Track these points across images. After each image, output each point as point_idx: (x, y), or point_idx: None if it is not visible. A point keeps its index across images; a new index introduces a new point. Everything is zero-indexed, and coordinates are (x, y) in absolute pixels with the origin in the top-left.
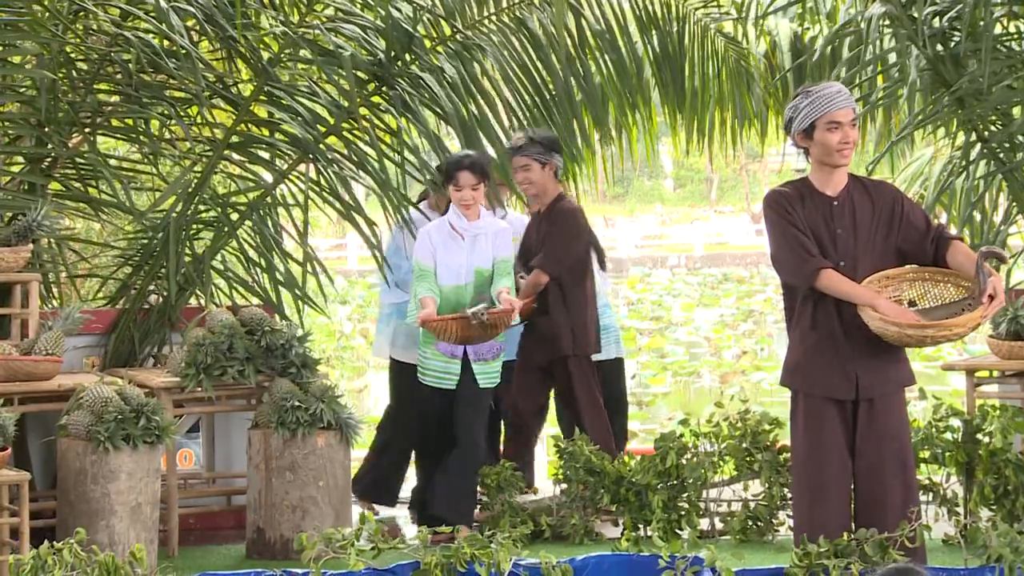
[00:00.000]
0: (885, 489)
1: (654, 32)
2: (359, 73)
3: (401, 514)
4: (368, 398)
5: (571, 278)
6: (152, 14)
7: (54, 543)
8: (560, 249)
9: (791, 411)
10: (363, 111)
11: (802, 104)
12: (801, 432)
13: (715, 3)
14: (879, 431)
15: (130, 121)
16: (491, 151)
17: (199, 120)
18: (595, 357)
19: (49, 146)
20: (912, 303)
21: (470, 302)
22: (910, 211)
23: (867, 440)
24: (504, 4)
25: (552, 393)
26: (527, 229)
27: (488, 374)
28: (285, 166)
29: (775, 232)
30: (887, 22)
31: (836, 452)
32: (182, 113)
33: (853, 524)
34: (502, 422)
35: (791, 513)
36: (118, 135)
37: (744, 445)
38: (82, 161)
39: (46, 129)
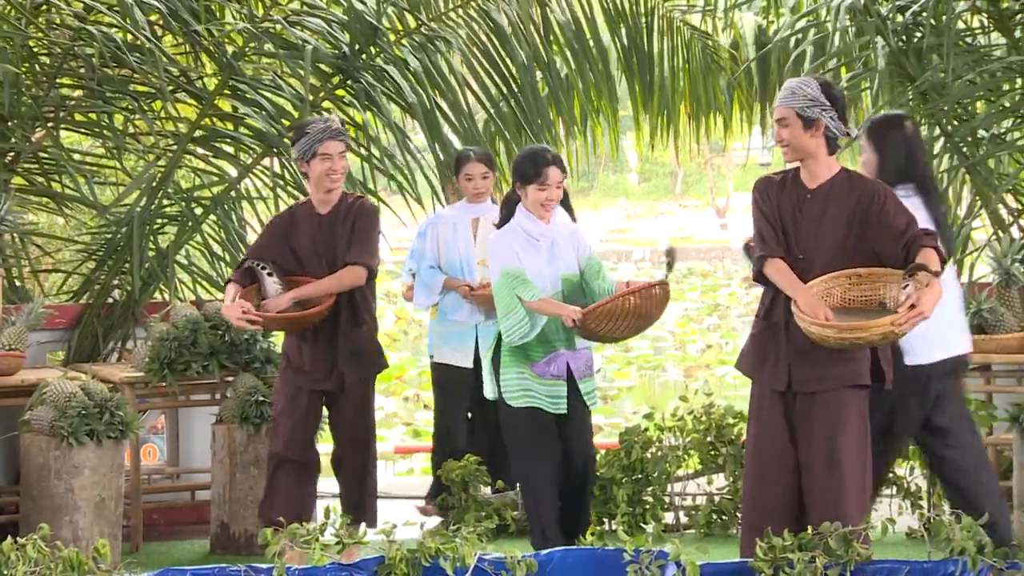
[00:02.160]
0: (812, 487)
1: (621, 25)
2: (323, 67)
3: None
4: None
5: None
6: (115, 9)
7: (17, 539)
8: (375, 244)
9: (750, 399)
10: (327, 104)
11: None
12: (751, 420)
13: None
14: (813, 428)
15: (94, 115)
16: (456, 143)
17: (163, 114)
18: None
19: (12, 140)
20: (883, 304)
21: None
22: (892, 211)
23: (802, 435)
24: None
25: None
26: (301, 227)
27: (592, 393)
28: (249, 160)
29: (752, 218)
30: (851, 15)
31: (775, 442)
32: (146, 107)
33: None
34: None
35: None
36: (82, 129)
37: (709, 439)
38: (45, 156)
39: (9, 123)
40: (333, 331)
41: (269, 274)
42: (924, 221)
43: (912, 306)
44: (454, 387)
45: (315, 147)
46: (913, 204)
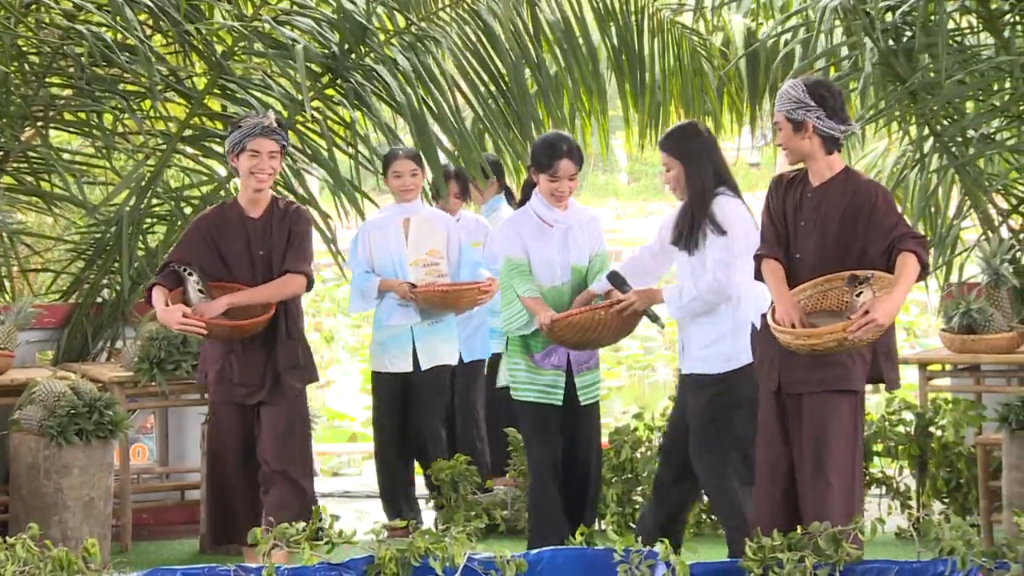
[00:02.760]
0: (803, 490)
1: (611, 24)
2: (313, 66)
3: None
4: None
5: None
6: (105, 8)
7: (6, 538)
8: (311, 252)
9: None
10: (317, 103)
11: None
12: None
13: None
14: (800, 429)
15: (83, 115)
16: (446, 142)
17: (152, 114)
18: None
19: (1, 140)
20: None
21: (569, 304)
22: (883, 213)
23: (794, 437)
24: None
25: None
26: (231, 230)
27: (590, 387)
28: None
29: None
30: (840, 15)
31: (772, 443)
32: (135, 107)
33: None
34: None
35: None
36: (71, 129)
37: None
38: (34, 155)
39: None
40: (264, 343)
41: (195, 280)
42: (757, 219)
43: (866, 312)
44: (390, 397)
45: (244, 142)
46: (736, 204)
